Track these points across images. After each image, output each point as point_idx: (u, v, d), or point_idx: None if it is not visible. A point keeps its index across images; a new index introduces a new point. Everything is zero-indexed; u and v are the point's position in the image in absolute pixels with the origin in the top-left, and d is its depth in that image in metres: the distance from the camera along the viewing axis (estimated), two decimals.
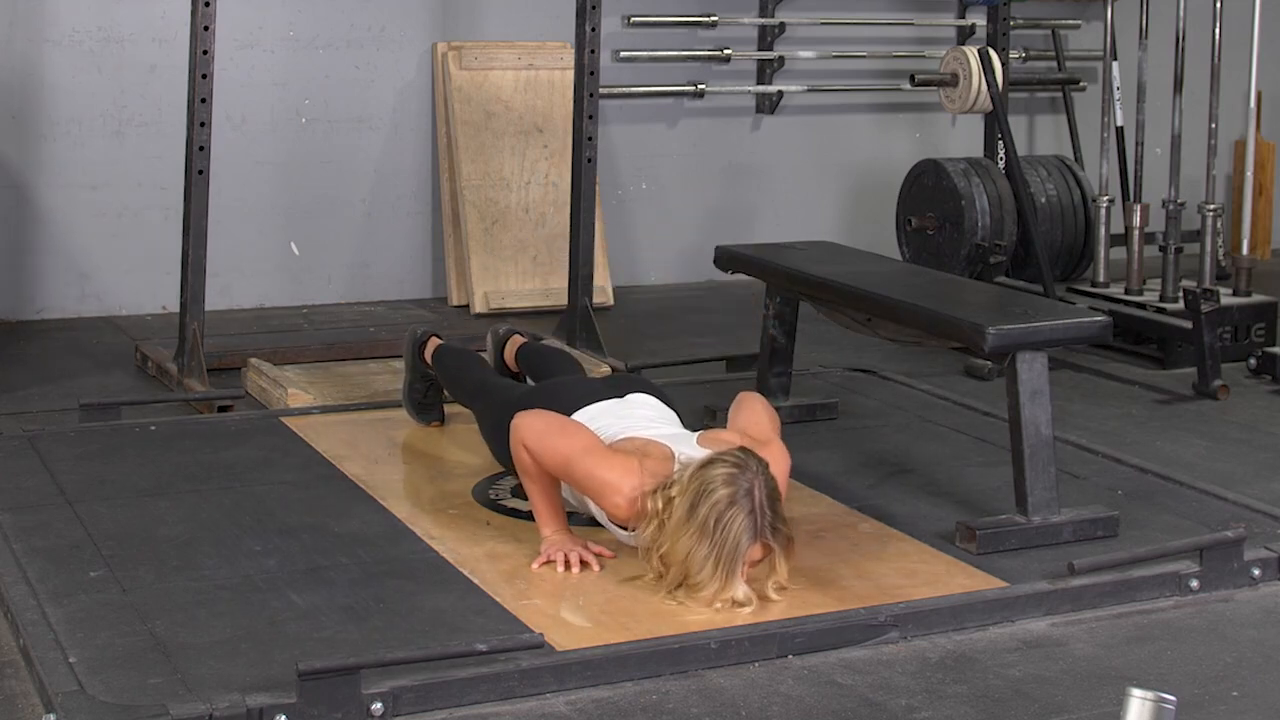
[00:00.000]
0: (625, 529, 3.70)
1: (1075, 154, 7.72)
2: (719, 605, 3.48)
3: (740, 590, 3.49)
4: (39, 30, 6.33)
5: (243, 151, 6.60)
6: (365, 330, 6.32)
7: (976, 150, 7.17)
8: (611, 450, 3.71)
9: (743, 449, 3.60)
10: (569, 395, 4.04)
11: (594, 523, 3.85)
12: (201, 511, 4.03)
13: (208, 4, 5.24)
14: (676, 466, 3.62)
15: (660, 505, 3.54)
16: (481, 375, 4.54)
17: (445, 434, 4.78)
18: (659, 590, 3.55)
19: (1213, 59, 6.11)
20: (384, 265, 6.92)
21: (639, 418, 3.91)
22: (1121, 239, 6.55)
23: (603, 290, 6.79)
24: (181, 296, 5.38)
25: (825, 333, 5.69)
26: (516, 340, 4.76)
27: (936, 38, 7.77)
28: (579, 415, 3.91)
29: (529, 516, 3.94)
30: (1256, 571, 3.78)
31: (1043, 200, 6.75)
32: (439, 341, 4.75)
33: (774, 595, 3.54)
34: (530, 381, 4.59)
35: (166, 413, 4.99)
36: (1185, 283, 6.18)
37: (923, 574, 3.75)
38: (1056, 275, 6.60)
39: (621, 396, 4.01)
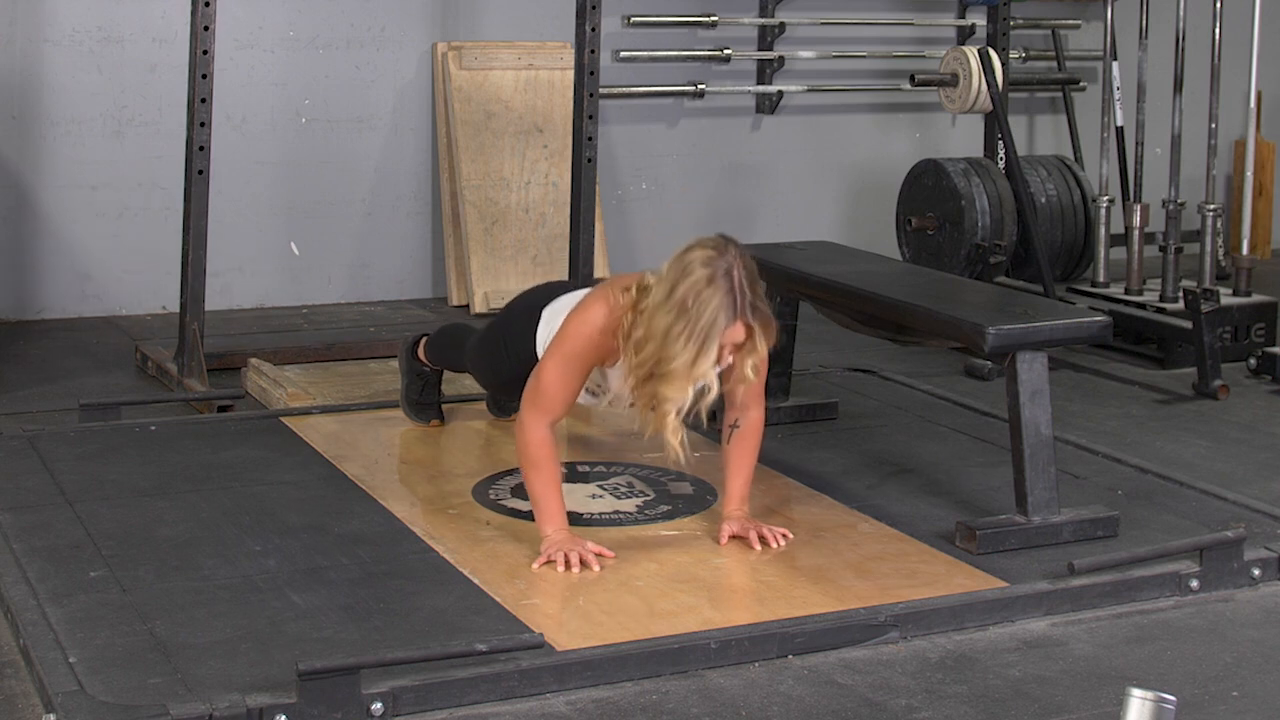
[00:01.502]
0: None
1: (1075, 154, 7.73)
2: (691, 389, 3.50)
3: (709, 371, 3.51)
4: (39, 30, 6.33)
5: (243, 151, 6.60)
6: (365, 330, 6.32)
7: (976, 150, 7.17)
8: (575, 305, 3.78)
9: (721, 235, 3.64)
10: (548, 288, 4.16)
11: (594, 522, 3.84)
12: (201, 511, 4.03)
13: (208, 4, 5.24)
14: (648, 274, 3.68)
15: (635, 296, 3.61)
16: (465, 331, 4.62)
17: (445, 434, 4.78)
18: (645, 417, 3.59)
19: (1213, 59, 6.11)
20: (384, 265, 6.92)
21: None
22: (1121, 239, 6.55)
23: None
24: (181, 296, 5.38)
25: (825, 333, 5.69)
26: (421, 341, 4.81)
27: (936, 38, 7.77)
28: (555, 302, 4.00)
29: (529, 516, 3.94)
30: (1256, 571, 3.78)
31: (1043, 200, 6.75)
32: (428, 336, 4.78)
33: (750, 374, 3.57)
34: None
35: (166, 413, 4.99)
36: (1185, 283, 6.18)
37: (923, 574, 3.75)
38: (1056, 275, 6.60)
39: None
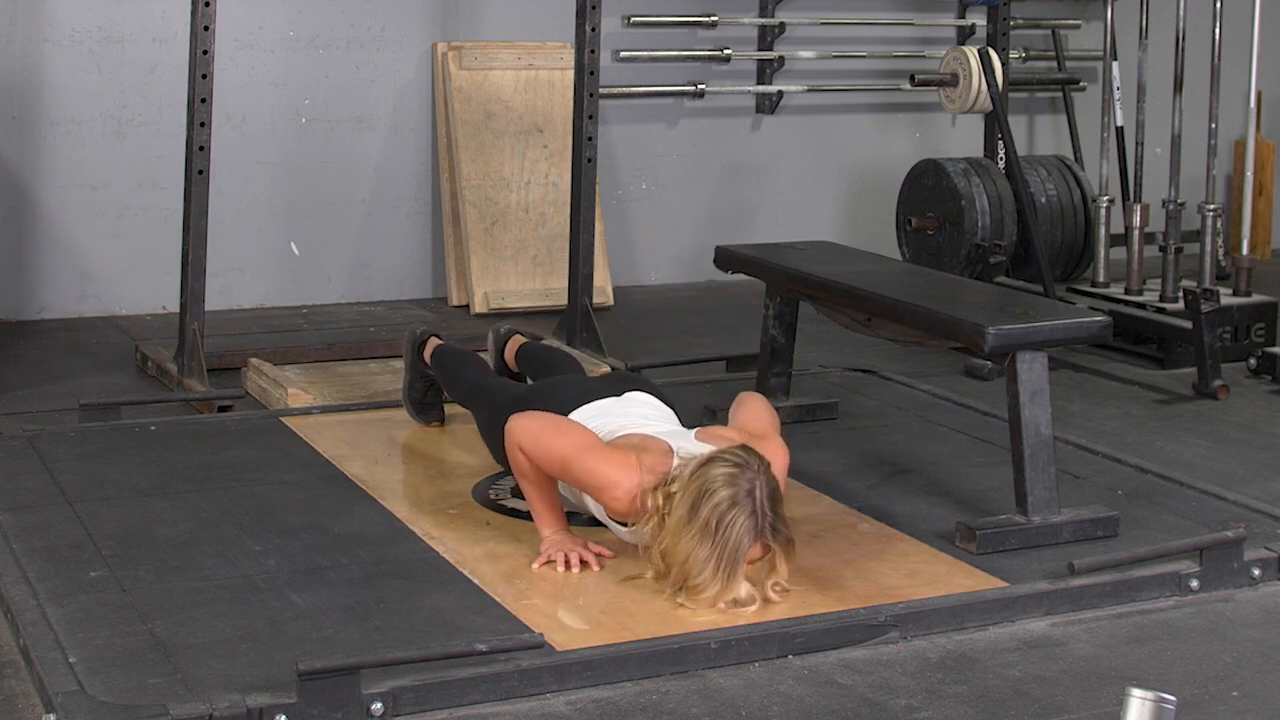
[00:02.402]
0: (625, 525, 3.70)
1: (1075, 154, 7.72)
2: (721, 606, 3.48)
3: (743, 590, 3.48)
4: (39, 30, 6.33)
5: (243, 151, 6.60)
6: (365, 330, 6.32)
7: (976, 150, 7.17)
8: (608, 447, 3.71)
9: (743, 447, 3.59)
10: (566, 394, 4.04)
11: (594, 522, 3.85)
12: (201, 511, 4.03)
13: (208, 4, 5.24)
14: (675, 462, 3.61)
15: (660, 502, 3.54)
16: (480, 375, 4.54)
17: (445, 434, 4.78)
18: (661, 590, 3.55)
19: (1213, 59, 6.11)
20: (384, 265, 6.92)
21: (636, 415, 3.90)
22: (1121, 239, 6.55)
23: (603, 290, 6.80)
24: (181, 296, 5.38)
25: (825, 333, 5.69)
26: (517, 340, 4.76)
27: (936, 38, 7.77)
28: (576, 414, 3.91)
29: (529, 516, 3.94)
30: (1256, 571, 3.78)
31: (1043, 200, 6.75)
32: (439, 342, 4.74)
33: (774, 596, 3.53)
34: (530, 381, 4.59)
35: (166, 413, 4.99)
36: (1185, 283, 6.18)
37: (923, 574, 3.75)
38: (1056, 275, 6.60)
39: (619, 395, 4.01)
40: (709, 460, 3.53)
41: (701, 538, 3.45)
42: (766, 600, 3.52)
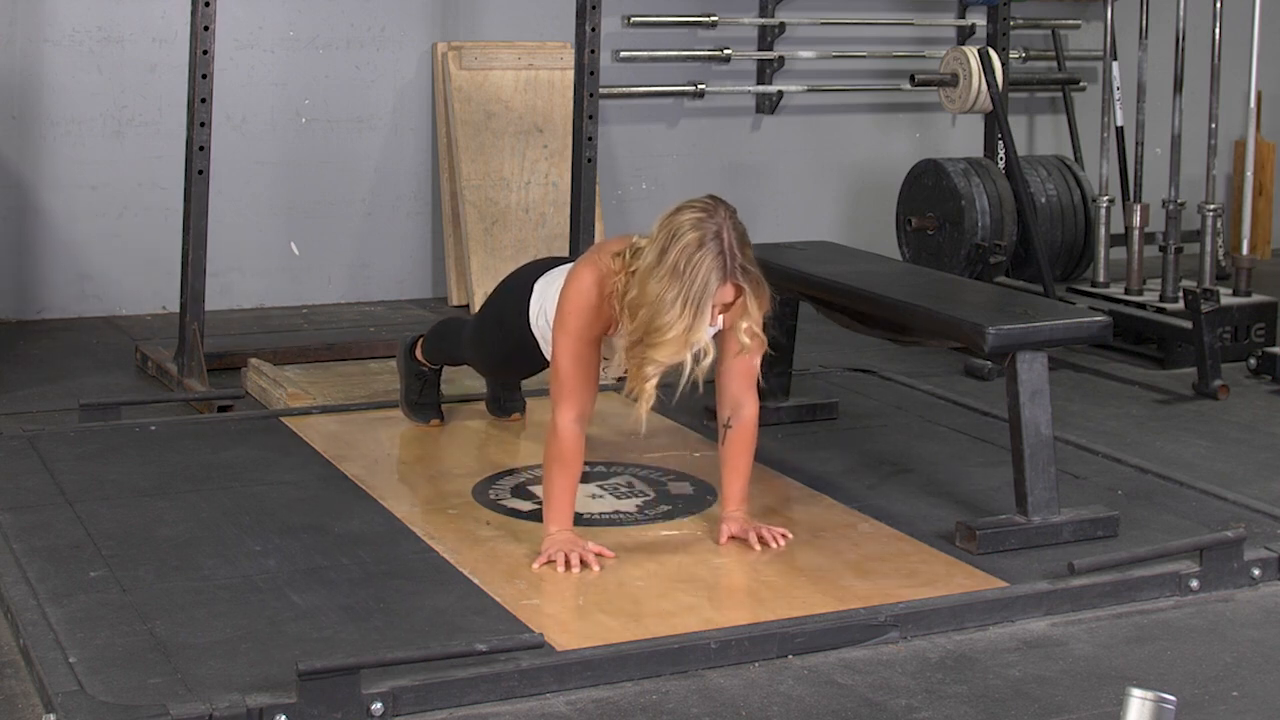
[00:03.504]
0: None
1: (1075, 154, 7.72)
2: (685, 355, 3.50)
3: (704, 333, 3.51)
4: (39, 30, 6.33)
5: (243, 151, 6.60)
6: (365, 330, 6.32)
7: (976, 150, 7.17)
8: (568, 276, 3.78)
9: (710, 195, 3.63)
10: (536, 265, 4.17)
11: (594, 522, 3.84)
12: (201, 511, 4.03)
13: (208, 4, 5.24)
14: (637, 236, 3.67)
15: (629, 257, 3.60)
16: (460, 322, 4.63)
17: (445, 434, 4.78)
18: (629, 351, 3.58)
19: (1213, 59, 6.11)
20: (384, 265, 6.92)
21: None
22: (1121, 239, 6.55)
23: None
24: (181, 296, 5.38)
25: (825, 333, 5.69)
26: None
27: (936, 38, 7.77)
28: (547, 275, 4.01)
29: (529, 516, 3.95)
30: (1256, 571, 3.78)
31: (1043, 200, 6.75)
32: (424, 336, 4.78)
33: (745, 339, 3.57)
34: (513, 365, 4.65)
35: (166, 413, 4.99)
36: (1185, 283, 6.18)
37: (923, 574, 3.75)
38: (1056, 275, 6.60)
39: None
40: (676, 209, 3.58)
41: (670, 279, 3.49)
42: (742, 346, 3.59)
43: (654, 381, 3.59)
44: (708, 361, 3.57)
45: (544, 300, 4.04)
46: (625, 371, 3.69)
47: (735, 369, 3.80)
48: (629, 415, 3.76)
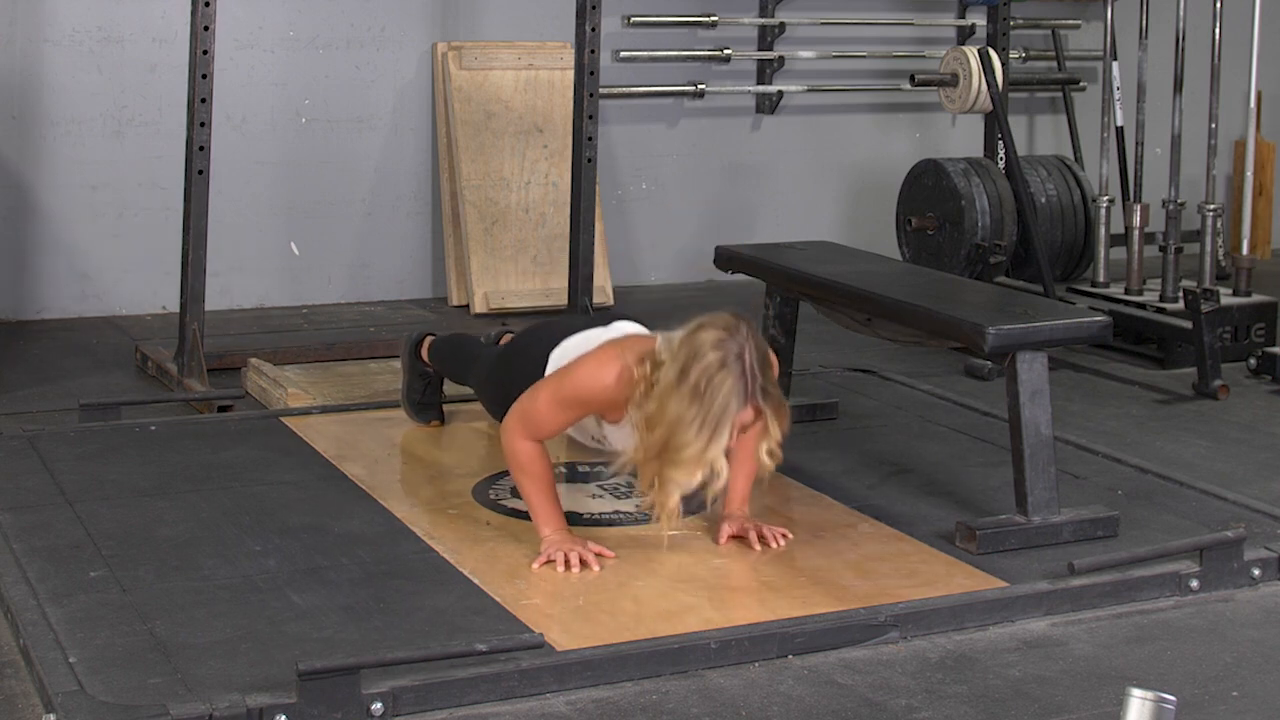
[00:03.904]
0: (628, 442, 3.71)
1: (1075, 154, 7.72)
2: (699, 477, 3.47)
3: (720, 457, 3.47)
4: (39, 30, 6.34)
5: (243, 151, 6.61)
6: (365, 330, 6.32)
7: (976, 150, 7.17)
8: (586, 356, 3.74)
9: (733, 313, 3.59)
10: (554, 328, 4.08)
11: (593, 523, 3.84)
12: (201, 511, 4.03)
13: (208, 4, 5.24)
14: (660, 342, 3.63)
15: (649, 370, 3.55)
16: (474, 347, 4.59)
17: (445, 434, 4.78)
18: (643, 467, 3.54)
19: (1213, 59, 6.11)
20: (384, 265, 6.92)
21: (624, 332, 3.94)
22: (1121, 239, 6.55)
23: (603, 290, 6.80)
24: (181, 296, 5.38)
25: (825, 333, 5.69)
26: (508, 338, 4.77)
27: (936, 38, 7.77)
28: (566, 342, 3.95)
29: (529, 516, 3.94)
30: (1256, 571, 3.78)
31: (1043, 200, 6.75)
32: (433, 338, 4.76)
33: (767, 459, 3.54)
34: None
35: (166, 413, 4.99)
36: (1185, 283, 6.18)
37: (923, 574, 3.75)
38: (1056, 275, 6.60)
39: (605, 325, 4.03)
40: (697, 327, 3.54)
41: (690, 400, 3.46)
42: (763, 466, 3.56)
43: (675, 501, 3.55)
44: (719, 484, 3.51)
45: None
46: (628, 471, 3.65)
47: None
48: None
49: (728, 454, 3.53)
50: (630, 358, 3.62)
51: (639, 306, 6.92)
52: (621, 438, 3.77)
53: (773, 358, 3.67)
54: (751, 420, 3.53)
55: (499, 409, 4.16)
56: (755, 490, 3.99)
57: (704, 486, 3.53)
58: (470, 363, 4.49)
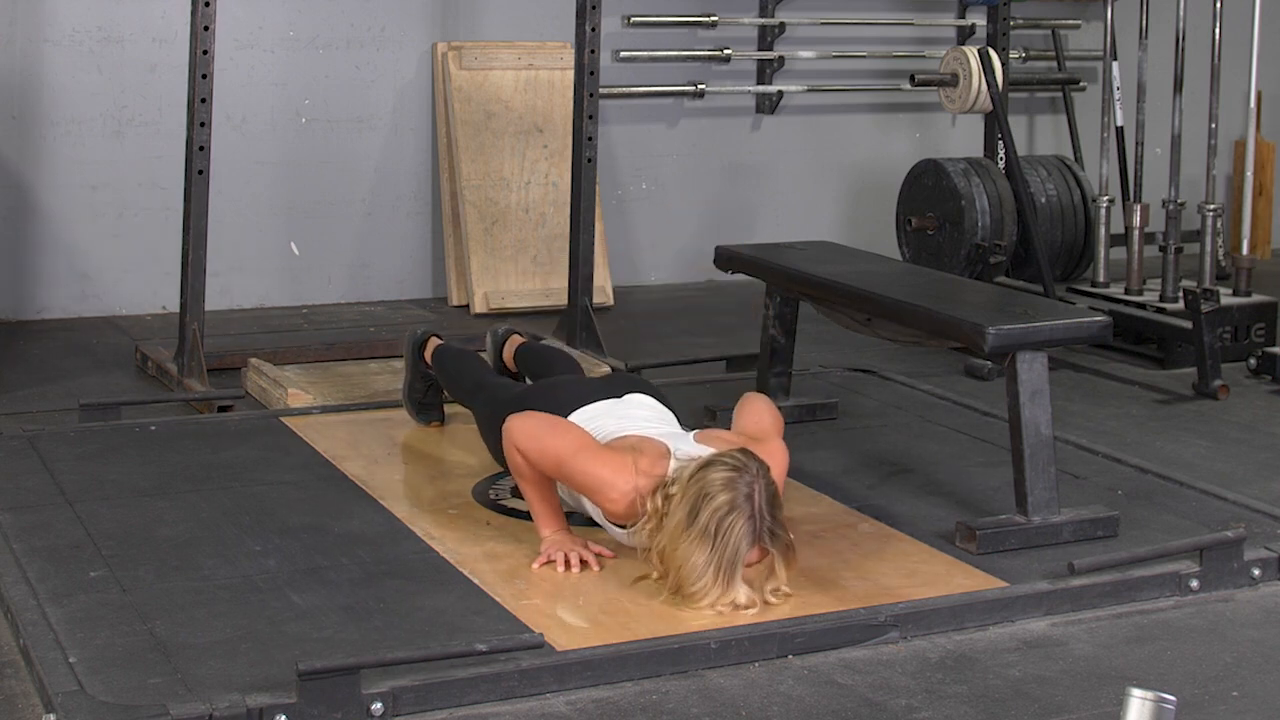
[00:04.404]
0: (622, 527, 3.70)
1: (1075, 154, 7.72)
2: (720, 609, 3.47)
3: (742, 594, 3.48)
4: (39, 30, 6.33)
5: (243, 151, 6.60)
6: (365, 330, 6.32)
7: (976, 150, 7.17)
8: (604, 449, 3.71)
9: (743, 450, 3.58)
10: (565, 395, 4.04)
11: (592, 522, 3.85)
12: (201, 511, 4.03)
13: (208, 4, 5.24)
14: (673, 465, 3.61)
15: (659, 504, 3.54)
16: (480, 375, 4.54)
17: (445, 434, 4.78)
18: (660, 591, 3.54)
19: (1213, 59, 6.11)
20: (384, 265, 6.92)
21: (636, 418, 3.90)
22: (1121, 239, 6.55)
23: (603, 290, 6.80)
24: (181, 296, 5.38)
25: (825, 333, 5.69)
26: (515, 340, 4.76)
27: (936, 38, 7.77)
28: (575, 415, 3.90)
29: (529, 516, 3.94)
30: (1256, 571, 3.78)
31: (1043, 200, 6.75)
32: (439, 342, 4.75)
33: (773, 600, 3.52)
34: (529, 381, 4.59)
35: (166, 413, 4.99)
36: (1185, 283, 6.18)
37: (923, 574, 3.75)
38: (1056, 275, 6.60)
39: (619, 396, 4.00)
40: (707, 464, 3.52)
41: (700, 542, 3.45)
42: (765, 604, 3.52)
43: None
44: (751, 613, 3.48)
45: None
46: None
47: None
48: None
49: (749, 583, 3.50)
50: (643, 482, 3.59)
51: (639, 306, 6.93)
52: (616, 531, 3.76)
53: (780, 494, 3.62)
54: (757, 560, 3.51)
55: (495, 453, 4.14)
56: None
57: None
58: (475, 391, 4.43)
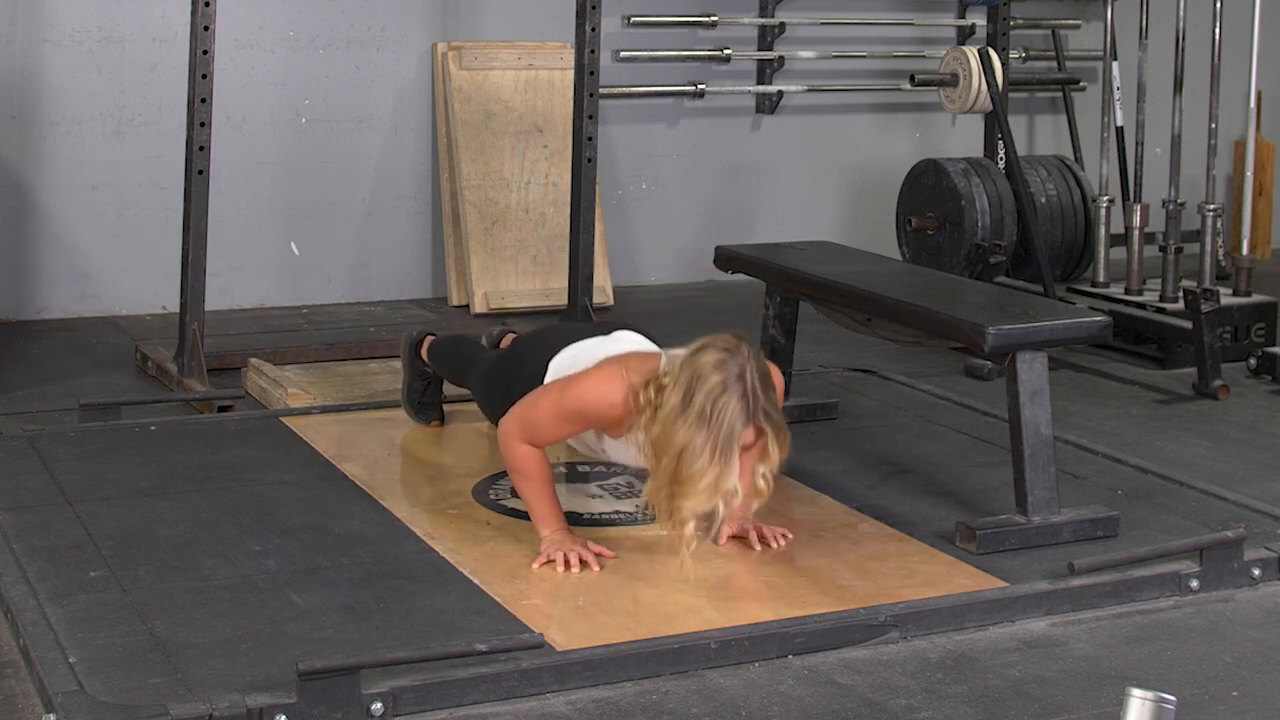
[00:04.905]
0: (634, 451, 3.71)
1: (1075, 154, 7.73)
2: (717, 502, 3.46)
3: (734, 479, 3.46)
4: (39, 30, 6.34)
5: (243, 151, 6.60)
6: (365, 330, 6.32)
7: (976, 150, 7.17)
8: (591, 370, 3.73)
9: (734, 334, 3.59)
10: (554, 335, 4.07)
11: (594, 522, 3.84)
12: (201, 511, 4.03)
13: (208, 4, 5.24)
14: (664, 361, 3.63)
15: (652, 395, 3.55)
16: (473, 351, 4.58)
17: (445, 434, 4.78)
18: (656, 493, 3.52)
19: (1213, 59, 6.11)
20: (384, 265, 6.92)
21: (625, 343, 3.93)
22: (1121, 239, 6.55)
23: (603, 290, 6.80)
24: (181, 296, 5.38)
25: (825, 333, 5.69)
26: (510, 338, 4.77)
27: (936, 38, 7.77)
28: (565, 351, 3.93)
29: (529, 516, 3.94)
30: (1256, 571, 3.78)
31: (1043, 200, 6.75)
32: (433, 338, 4.76)
33: (760, 484, 3.53)
34: None
35: (166, 413, 4.99)
36: (1185, 283, 6.18)
37: (923, 574, 3.75)
38: (1056, 275, 6.60)
39: (606, 334, 4.02)
40: (699, 349, 3.55)
41: (696, 424, 3.45)
42: (756, 491, 3.53)
43: (692, 527, 3.53)
44: (736, 502, 3.51)
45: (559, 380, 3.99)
46: (647, 509, 3.64)
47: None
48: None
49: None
50: (635, 378, 3.61)
51: (639, 306, 6.92)
52: (621, 451, 3.77)
53: (777, 376, 3.65)
54: (752, 441, 3.51)
55: (496, 414, 4.16)
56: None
57: (726, 505, 3.50)
58: (469, 364, 4.48)
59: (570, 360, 3.90)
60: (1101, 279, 6.50)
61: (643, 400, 3.56)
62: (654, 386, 3.55)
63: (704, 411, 3.45)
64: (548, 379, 3.95)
